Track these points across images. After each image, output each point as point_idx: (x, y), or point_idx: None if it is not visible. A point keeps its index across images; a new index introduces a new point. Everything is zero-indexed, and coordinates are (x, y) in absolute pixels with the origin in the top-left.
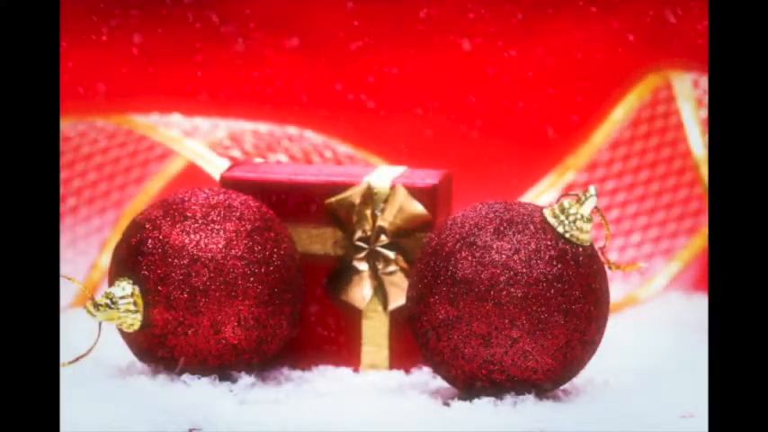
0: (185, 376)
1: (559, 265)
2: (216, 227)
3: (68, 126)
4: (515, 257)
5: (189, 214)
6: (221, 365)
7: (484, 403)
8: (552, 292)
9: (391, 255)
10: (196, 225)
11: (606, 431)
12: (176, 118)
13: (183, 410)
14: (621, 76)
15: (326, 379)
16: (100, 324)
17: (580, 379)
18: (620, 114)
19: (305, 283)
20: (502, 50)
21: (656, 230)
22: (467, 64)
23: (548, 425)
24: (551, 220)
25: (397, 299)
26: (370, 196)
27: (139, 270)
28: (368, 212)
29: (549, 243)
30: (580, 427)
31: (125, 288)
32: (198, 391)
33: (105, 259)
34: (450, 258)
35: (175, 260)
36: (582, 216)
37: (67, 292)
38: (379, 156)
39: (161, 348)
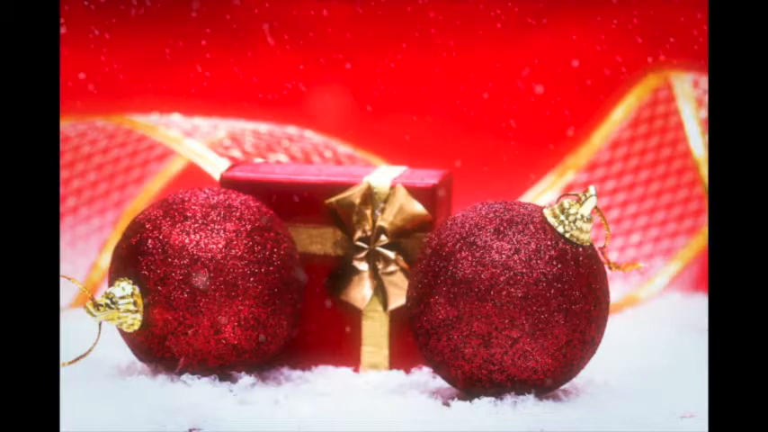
0: (185, 376)
1: (559, 265)
2: (216, 227)
3: (68, 126)
4: (515, 257)
5: (189, 214)
6: (221, 365)
7: (484, 403)
8: (552, 292)
9: (391, 255)
10: (196, 225)
11: (606, 431)
12: (176, 118)
13: (183, 410)
14: (621, 76)
15: (326, 379)
16: (100, 324)
17: (580, 379)
18: (619, 114)
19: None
20: (502, 50)
21: (656, 230)
22: (467, 64)
23: (548, 425)
24: (551, 220)
25: (397, 299)
26: (370, 196)
27: (139, 270)
28: (368, 212)
29: (549, 243)
30: (580, 427)
31: (125, 288)
32: (198, 391)
33: (105, 259)
34: (450, 258)
35: (175, 260)
36: (582, 216)
37: (67, 292)
38: (379, 156)
39: (161, 348)
